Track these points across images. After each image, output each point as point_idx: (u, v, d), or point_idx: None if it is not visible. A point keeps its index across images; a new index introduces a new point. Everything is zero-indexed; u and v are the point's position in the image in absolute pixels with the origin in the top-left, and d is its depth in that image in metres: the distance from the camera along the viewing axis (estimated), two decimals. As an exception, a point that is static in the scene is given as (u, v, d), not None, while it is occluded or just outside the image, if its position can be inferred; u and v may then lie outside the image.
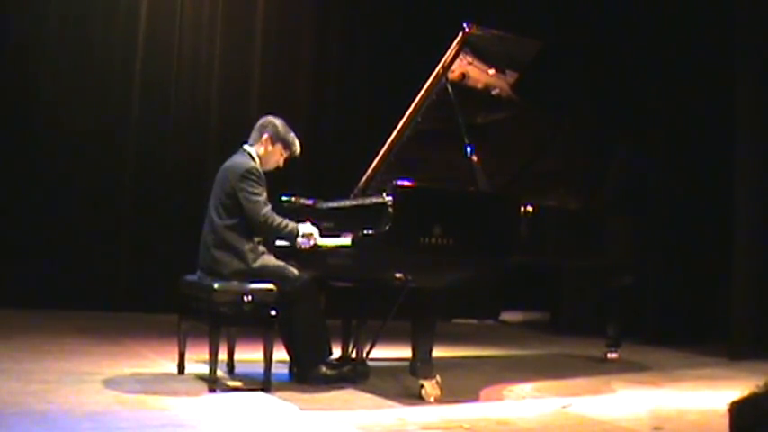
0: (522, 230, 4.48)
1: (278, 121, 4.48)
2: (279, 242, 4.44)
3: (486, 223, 4.26)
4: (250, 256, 4.20)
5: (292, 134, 4.49)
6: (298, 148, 4.51)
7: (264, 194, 4.26)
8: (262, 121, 4.50)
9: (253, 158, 4.37)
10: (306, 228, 4.26)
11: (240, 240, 4.21)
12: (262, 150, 4.42)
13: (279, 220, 4.22)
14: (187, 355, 4.41)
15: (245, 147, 4.45)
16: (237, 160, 4.36)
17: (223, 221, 4.24)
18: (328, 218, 4.74)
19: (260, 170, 4.31)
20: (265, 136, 4.43)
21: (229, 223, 4.22)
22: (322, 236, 4.30)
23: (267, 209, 4.22)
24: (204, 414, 3.53)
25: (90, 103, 7.29)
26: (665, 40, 7.45)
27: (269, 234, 4.30)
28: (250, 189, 4.21)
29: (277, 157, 4.47)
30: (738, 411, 2.58)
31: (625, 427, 3.71)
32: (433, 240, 3.96)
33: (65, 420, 3.22)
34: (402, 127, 4.82)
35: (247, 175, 4.23)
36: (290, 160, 4.55)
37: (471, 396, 4.22)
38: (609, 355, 5.71)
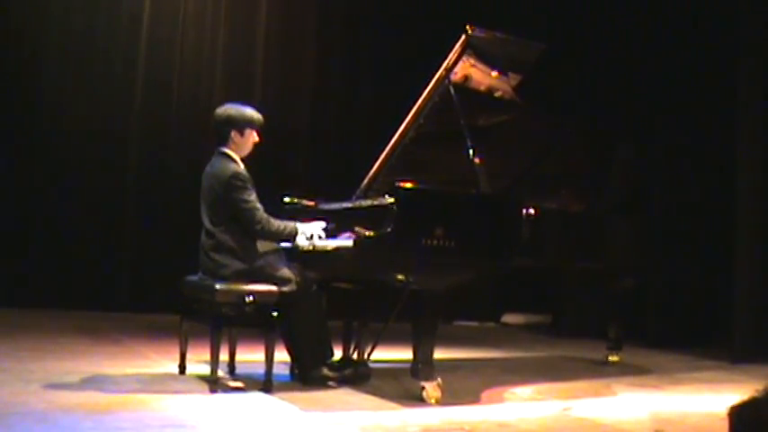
0: (523, 233, 4.47)
1: (231, 110, 4.32)
2: (282, 244, 4.40)
3: (487, 225, 4.25)
4: (250, 255, 4.18)
5: (249, 109, 4.34)
6: (261, 118, 4.36)
7: (254, 195, 4.16)
8: (217, 119, 4.32)
9: (233, 159, 4.26)
10: (306, 227, 4.23)
11: (238, 241, 4.16)
12: (235, 145, 4.30)
13: (276, 224, 4.17)
14: (188, 356, 4.41)
15: (221, 149, 4.30)
16: (219, 166, 4.24)
17: (217, 227, 4.17)
18: (330, 219, 4.73)
19: (243, 172, 4.20)
20: (232, 133, 4.27)
21: (224, 228, 4.16)
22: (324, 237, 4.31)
23: (260, 213, 4.14)
24: (205, 414, 3.53)
25: (92, 102, 7.29)
26: (666, 41, 7.45)
27: (268, 239, 4.26)
28: (239, 196, 4.12)
29: (251, 140, 4.34)
30: (738, 415, 2.58)
31: (626, 430, 3.70)
32: (435, 242, 3.95)
33: (66, 420, 3.22)
34: (405, 129, 4.82)
35: (233, 182, 4.14)
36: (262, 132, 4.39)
37: (472, 398, 4.22)
38: (610, 358, 5.70)
